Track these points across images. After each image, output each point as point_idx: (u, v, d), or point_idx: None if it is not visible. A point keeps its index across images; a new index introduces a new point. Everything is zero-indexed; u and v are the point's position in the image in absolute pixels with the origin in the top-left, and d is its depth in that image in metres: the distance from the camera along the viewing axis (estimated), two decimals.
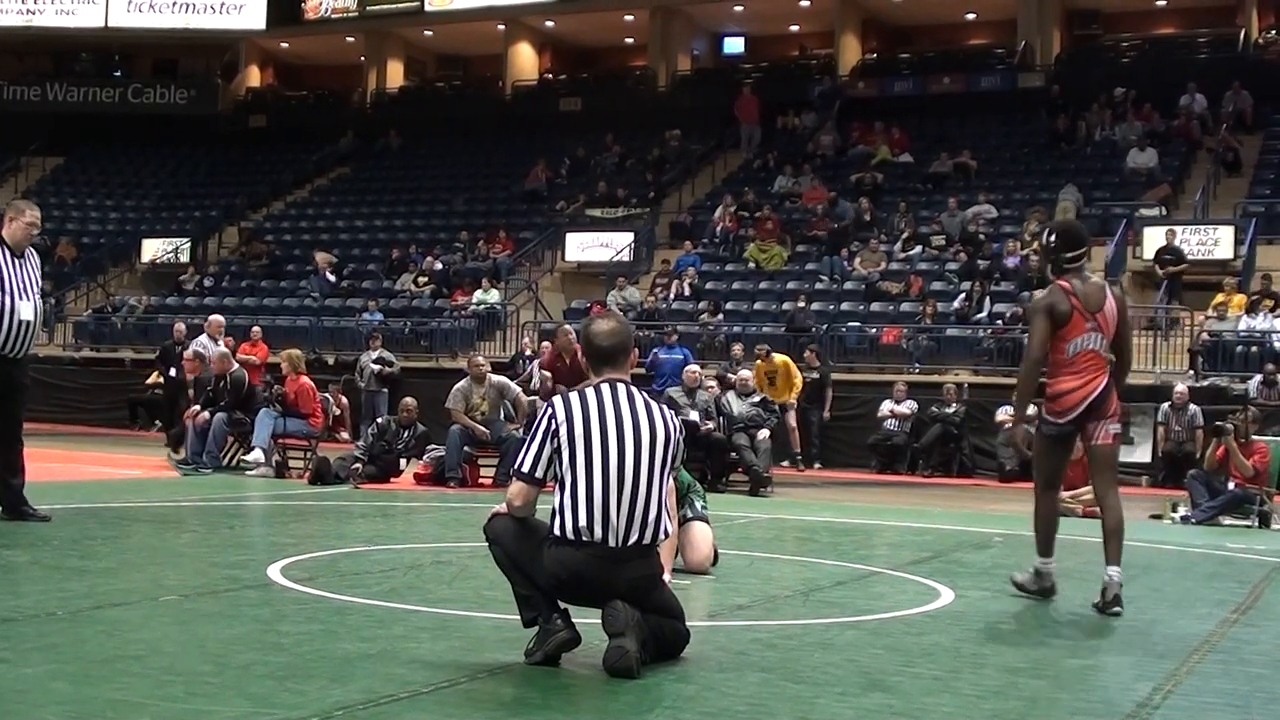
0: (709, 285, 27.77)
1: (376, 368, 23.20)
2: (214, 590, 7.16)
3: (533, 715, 4.65)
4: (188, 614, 6.47)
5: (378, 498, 13.71)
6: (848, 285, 26.77)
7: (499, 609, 6.38)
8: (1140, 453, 20.10)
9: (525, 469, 5.38)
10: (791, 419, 20.25)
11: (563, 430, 5.32)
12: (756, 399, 17.21)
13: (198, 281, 33.21)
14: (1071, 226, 8.02)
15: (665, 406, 5.56)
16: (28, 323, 9.85)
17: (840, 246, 27.47)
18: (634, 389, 5.50)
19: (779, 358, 19.99)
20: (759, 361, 19.90)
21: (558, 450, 5.32)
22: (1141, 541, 12.20)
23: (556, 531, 5.31)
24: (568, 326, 17.60)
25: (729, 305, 26.45)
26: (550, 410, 5.43)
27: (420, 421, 16.11)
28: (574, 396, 5.39)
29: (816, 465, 20.85)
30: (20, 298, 9.80)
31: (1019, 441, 8.02)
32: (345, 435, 19.73)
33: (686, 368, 17.82)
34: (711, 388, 17.08)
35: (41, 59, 44.62)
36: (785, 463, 19.91)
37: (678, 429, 5.45)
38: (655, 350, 21.91)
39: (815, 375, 21.49)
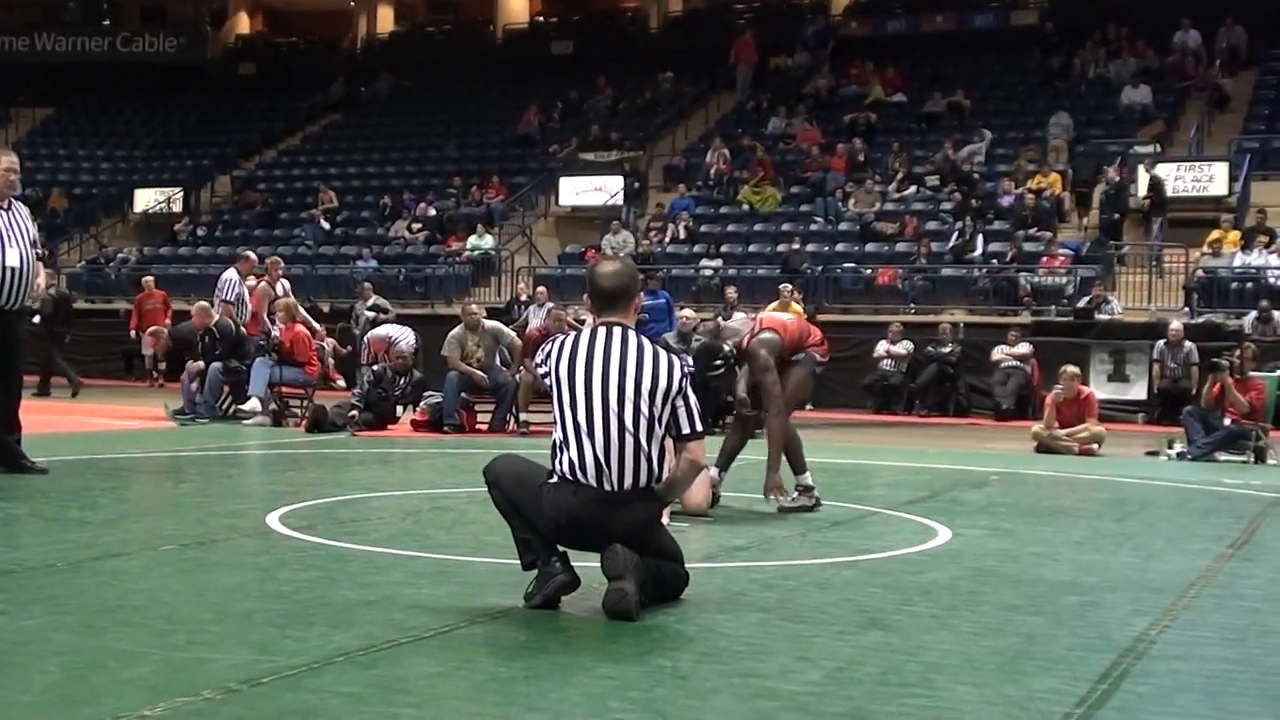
0: (703, 228, 27.61)
1: (371, 314, 23.07)
2: (213, 539, 7.12)
3: (534, 658, 4.65)
4: (187, 563, 6.44)
5: (375, 445, 13.67)
6: (842, 226, 26.63)
7: (498, 553, 6.37)
8: (1136, 390, 20.17)
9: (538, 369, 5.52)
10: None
11: (552, 371, 5.33)
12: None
13: (191, 231, 33.03)
14: None
15: (675, 355, 5.50)
16: (14, 269, 9.61)
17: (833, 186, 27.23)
18: (634, 334, 5.43)
19: (795, 307, 19.42)
20: (774, 304, 18.98)
21: (552, 388, 5.36)
22: (1137, 478, 12.10)
23: (555, 467, 5.31)
24: (559, 312, 16.94)
25: (724, 248, 26.34)
26: (546, 349, 5.45)
27: (416, 368, 16.12)
28: (568, 339, 5.37)
29: (809, 407, 18.99)
30: (8, 245, 9.58)
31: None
32: (342, 382, 19.62)
33: (682, 313, 17.72)
34: (708, 328, 16.74)
35: (30, 9, 44.38)
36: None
37: (681, 377, 5.36)
38: None
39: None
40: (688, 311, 17.63)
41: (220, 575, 6.07)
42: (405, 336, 17.41)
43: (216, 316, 17.10)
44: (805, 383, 8.57)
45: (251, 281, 17.46)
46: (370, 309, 23.40)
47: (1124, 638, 5.33)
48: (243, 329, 17.03)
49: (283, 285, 18.04)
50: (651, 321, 19.48)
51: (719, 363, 8.15)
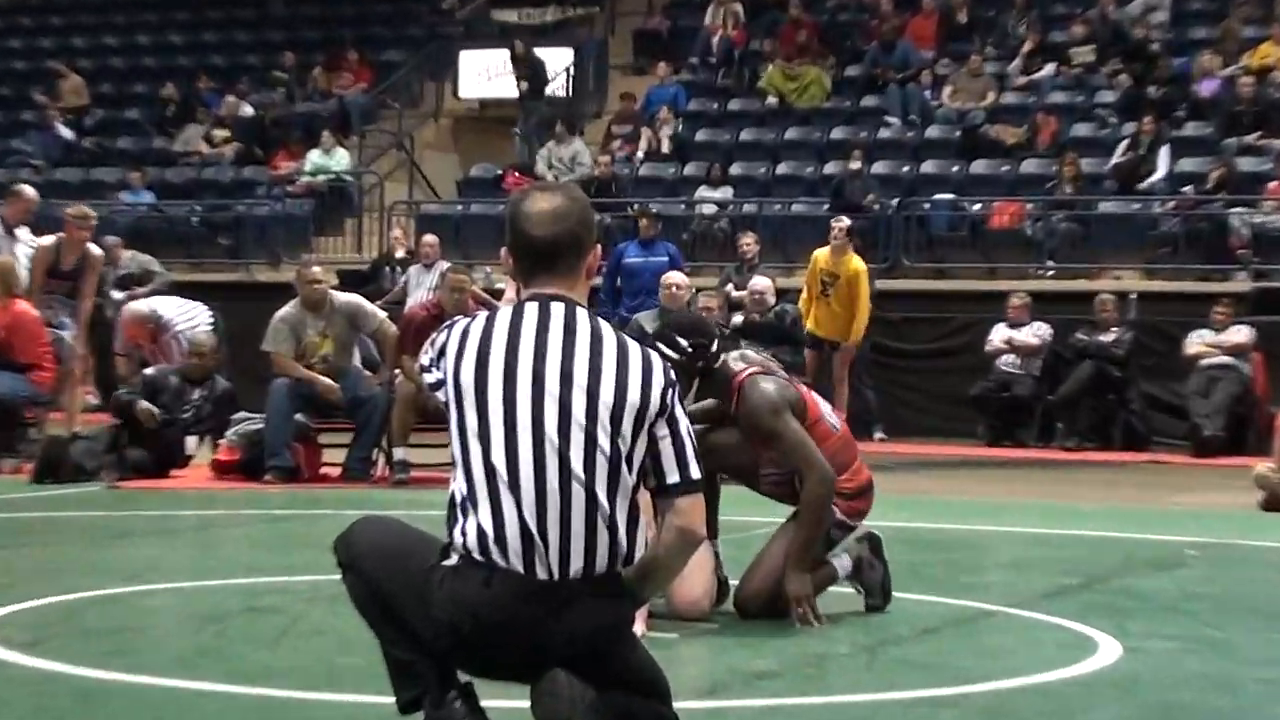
0: (700, 136, 23.46)
1: (120, 294, 18.15)
2: None
3: None
4: None
5: (150, 503, 12.12)
6: (932, 132, 22.31)
7: (357, 685, 5.48)
8: None
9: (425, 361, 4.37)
10: (842, 364, 16.30)
11: (449, 379, 4.05)
12: (780, 320, 15.16)
13: None
14: None
15: (646, 349, 4.14)
16: None
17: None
18: (585, 314, 4.09)
19: (855, 260, 16.04)
20: (818, 253, 16.05)
21: (447, 405, 4.16)
22: None
23: (454, 538, 4.06)
24: (459, 277, 13.71)
25: (735, 169, 22.20)
26: (438, 341, 4.17)
27: (219, 373, 13.71)
28: (474, 323, 4.10)
29: (878, 434, 17.29)
30: None
31: None
32: (94, 399, 16.61)
33: (667, 277, 14.82)
34: (706, 310, 14.24)
35: None
36: None
37: (666, 387, 4.04)
38: (619, 248, 18.01)
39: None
40: (674, 275, 14.61)
41: None
42: (192, 316, 15.28)
43: None
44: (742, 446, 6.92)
45: (30, 237, 15.19)
46: (120, 282, 18.60)
47: None
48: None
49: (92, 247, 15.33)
50: (645, 294, 16.61)
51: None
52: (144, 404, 13.00)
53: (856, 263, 15.67)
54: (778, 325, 14.77)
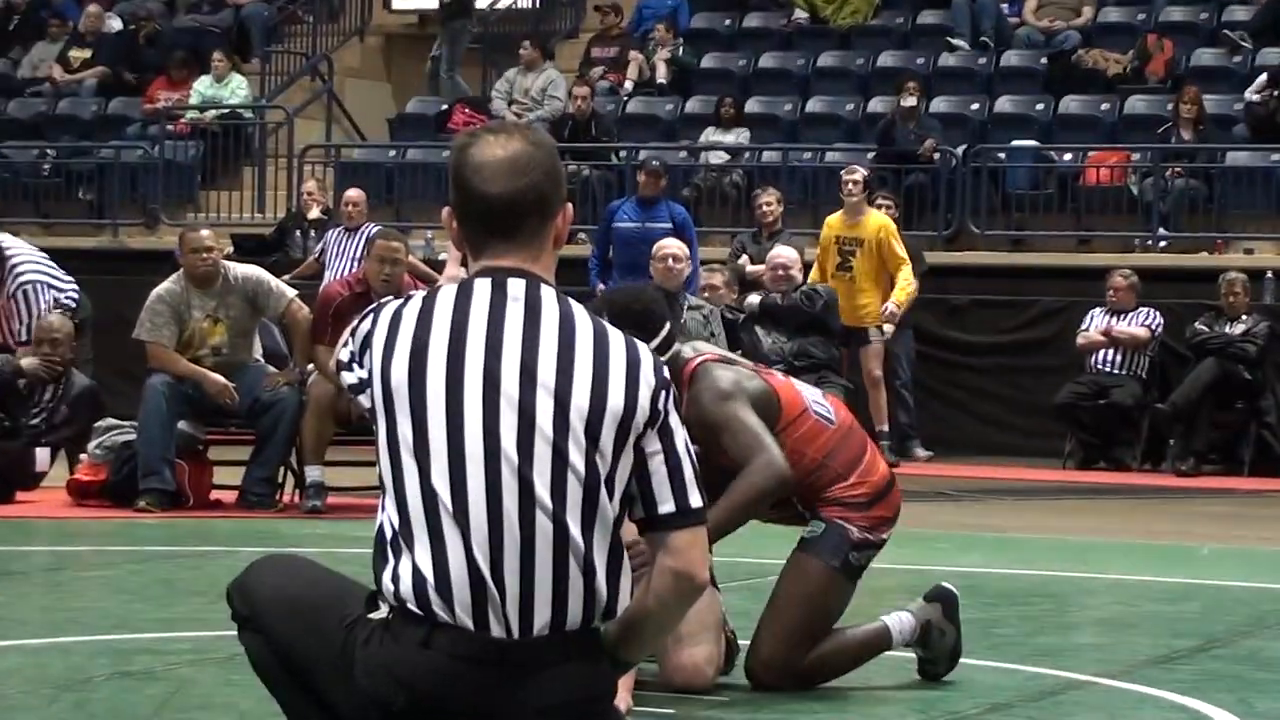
0: (706, 62, 21.40)
1: None
2: None
3: None
4: None
5: None
6: (1010, 59, 20.19)
7: None
8: None
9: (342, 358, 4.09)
10: (874, 358, 14.79)
11: (375, 376, 3.78)
12: (810, 301, 13.94)
13: None
14: None
15: (632, 340, 3.92)
16: None
17: None
18: (552, 295, 3.85)
19: (875, 215, 14.82)
20: (830, 220, 15.04)
21: (371, 412, 3.90)
22: None
23: (383, 584, 3.79)
24: (390, 243, 12.23)
25: (752, 106, 20.21)
26: (362, 328, 3.91)
27: (75, 365, 12.99)
28: (408, 305, 3.88)
29: (921, 451, 15.77)
30: None
31: None
32: None
33: (661, 246, 13.62)
34: (709, 289, 13.96)
35: None
36: None
37: (658, 388, 3.83)
38: (611, 208, 16.46)
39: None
40: (670, 244, 13.35)
41: None
42: (52, 274, 13.88)
43: None
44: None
45: None
46: None
47: None
48: None
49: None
50: (641, 273, 14.64)
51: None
52: None
53: (879, 217, 14.69)
54: (805, 308, 13.52)
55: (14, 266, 13.08)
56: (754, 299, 13.75)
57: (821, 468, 6.00)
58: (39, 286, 12.76)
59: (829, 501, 6.01)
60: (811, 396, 6.29)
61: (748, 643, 6.35)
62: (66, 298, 13.30)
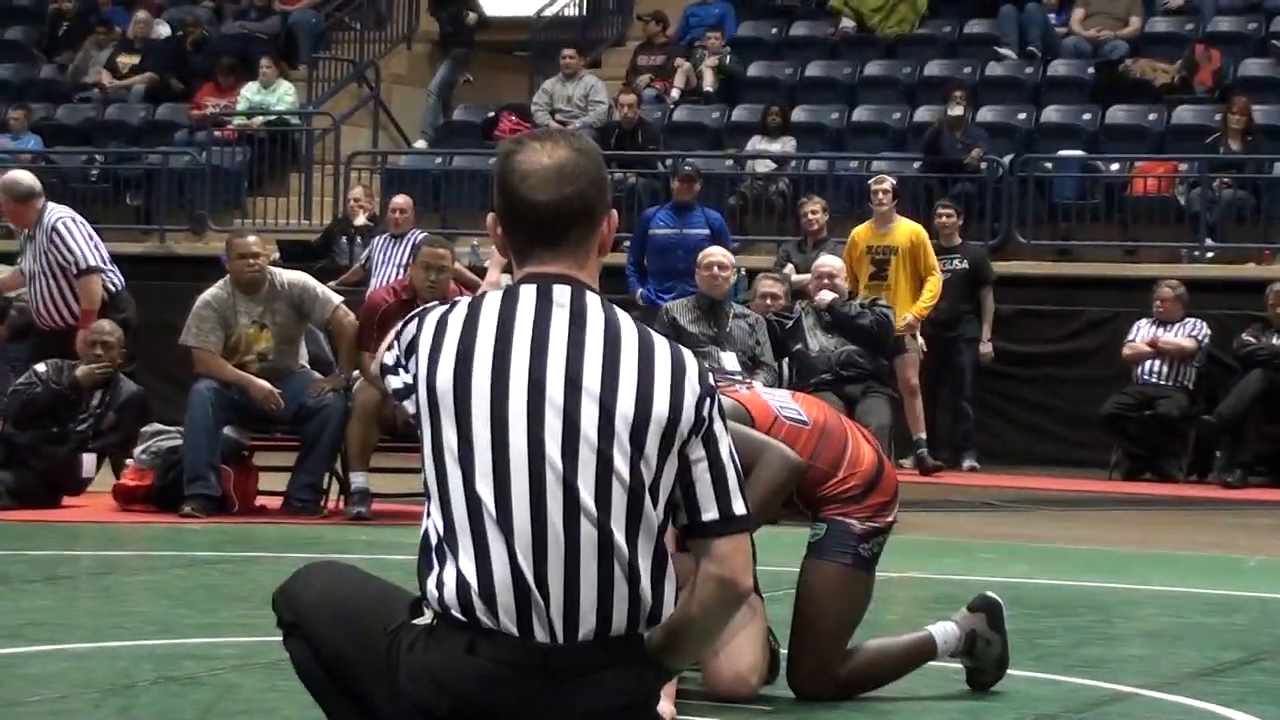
0: (753, 70, 21.42)
1: None
2: None
3: None
4: None
5: (31, 541, 11.39)
6: (1058, 68, 20.31)
7: None
8: None
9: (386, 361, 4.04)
10: (910, 366, 14.80)
11: (421, 384, 3.78)
12: (862, 315, 13.48)
13: None
14: None
15: (677, 347, 3.90)
16: None
17: None
18: (597, 301, 3.85)
19: (905, 224, 14.95)
20: (857, 232, 15.14)
21: (416, 418, 3.94)
22: None
23: (428, 591, 3.80)
24: (437, 250, 12.20)
25: (798, 115, 20.36)
26: (407, 333, 3.92)
27: (125, 368, 13.05)
28: (453, 312, 3.86)
29: (967, 463, 15.80)
30: None
31: None
32: None
33: (706, 254, 13.45)
34: (770, 298, 13.75)
35: None
36: (905, 460, 15.28)
37: (704, 395, 3.84)
38: (647, 215, 16.43)
39: (961, 264, 16.14)
40: (715, 252, 13.40)
41: None
42: (75, 219, 13.81)
43: None
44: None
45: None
46: None
47: None
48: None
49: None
50: (679, 276, 15.04)
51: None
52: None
53: (909, 225, 14.74)
54: (859, 321, 13.38)
55: (49, 218, 12.97)
56: (826, 296, 13.82)
57: (808, 470, 6.06)
58: (75, 220, 12.79)
59: (824, 501, 6.04)
60: (778, 402, 6.30)
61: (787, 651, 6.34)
62: (111, 282, 13.31)
